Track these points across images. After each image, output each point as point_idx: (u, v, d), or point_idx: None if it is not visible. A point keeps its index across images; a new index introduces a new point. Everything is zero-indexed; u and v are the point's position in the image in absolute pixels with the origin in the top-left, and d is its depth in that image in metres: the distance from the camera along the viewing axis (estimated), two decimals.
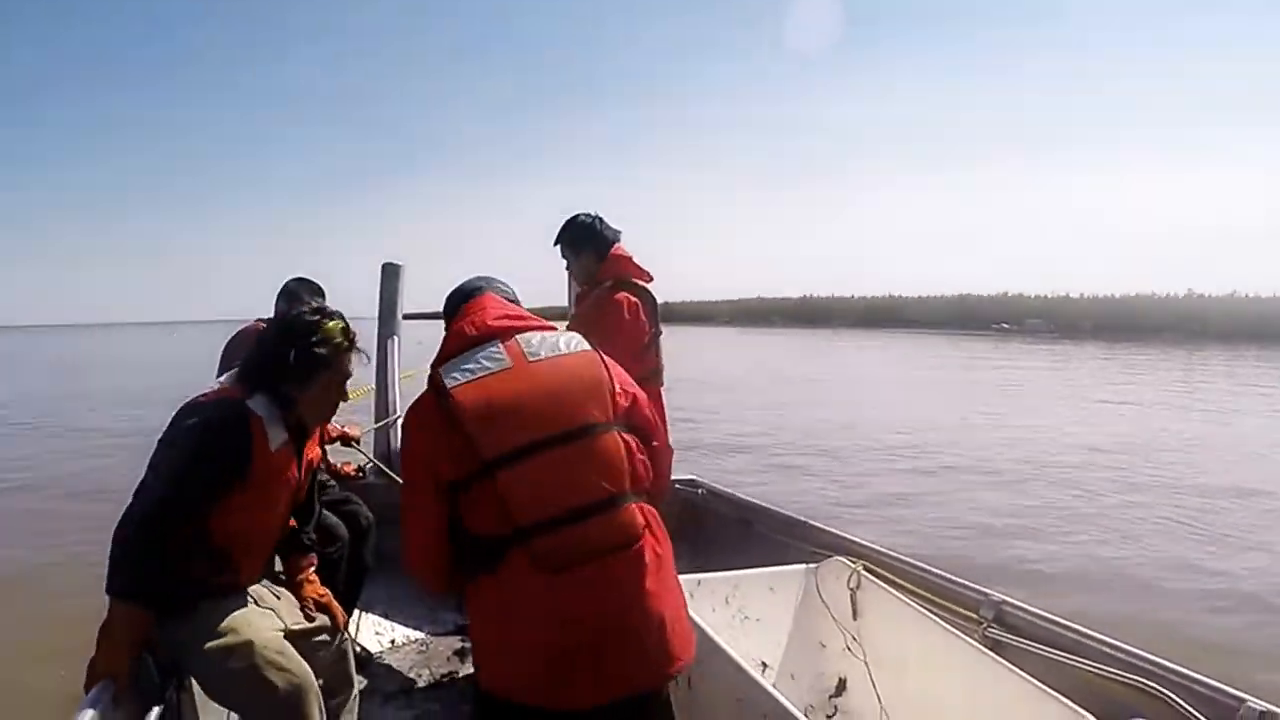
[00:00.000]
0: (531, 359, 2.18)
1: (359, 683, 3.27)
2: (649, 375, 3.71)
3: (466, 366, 2.17)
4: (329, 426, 4.17)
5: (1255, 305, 65.60)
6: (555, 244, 4.11)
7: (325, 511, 4.01)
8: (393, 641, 4.58)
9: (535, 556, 2.01)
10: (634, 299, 3.91)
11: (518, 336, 2.24)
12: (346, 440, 4.52)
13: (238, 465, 2.58)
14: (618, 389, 2.23)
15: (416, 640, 4.61)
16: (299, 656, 2.74)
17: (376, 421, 5.28)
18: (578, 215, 4.06)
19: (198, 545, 2.56)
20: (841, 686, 3.53)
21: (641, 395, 2.34)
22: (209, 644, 2.59)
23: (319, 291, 4.27)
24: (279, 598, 2.90)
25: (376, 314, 5.66)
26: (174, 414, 2.69)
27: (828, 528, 4.18)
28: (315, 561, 3.19)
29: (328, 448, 4.39)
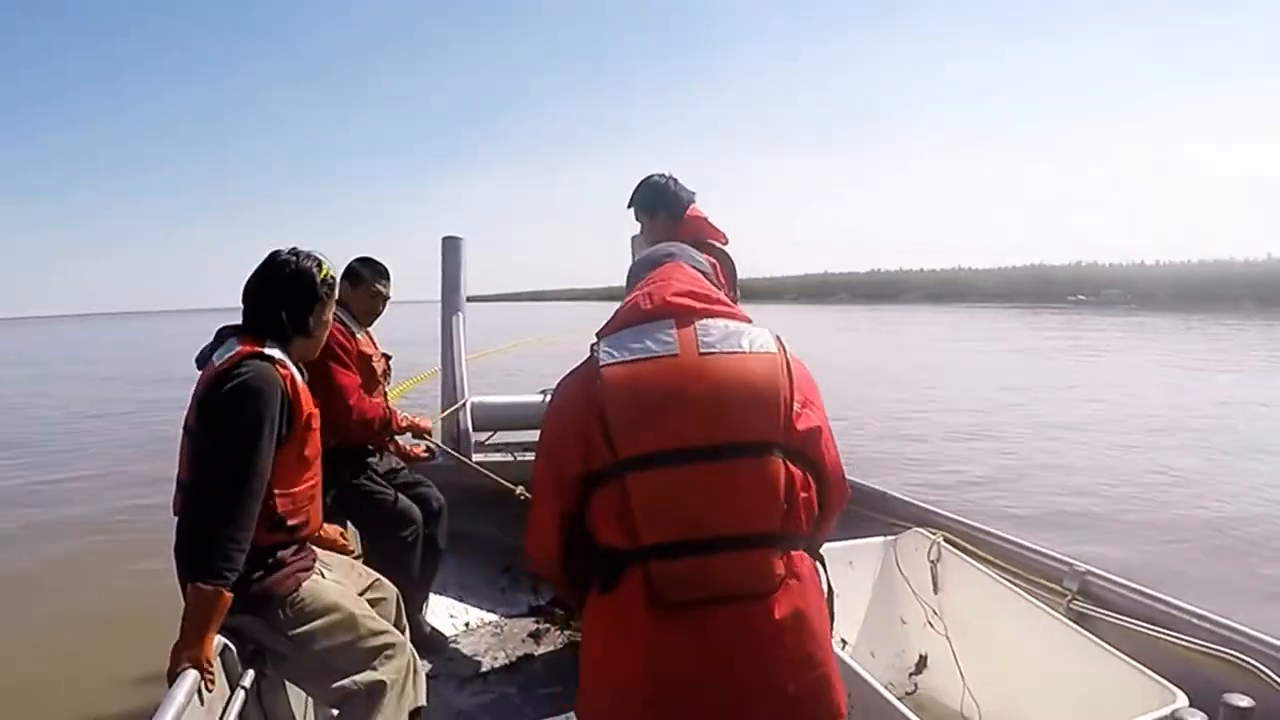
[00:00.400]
0: (704, 351, 1.86)
1: (425, 666, 3.33)
2: None
3: (629, 344, 1.89)
4: (398, 417, 4.19)
5: None
6: (629, 206, 4.03)
7: (399, 494, 4.09)
8: (466, 624, 4.61)
9: (650, 581, 1.74)
10: (713, 260, 3.85)
11: (699, 322, 1.92)
12: (418, 432, 4.47)
13: (288, 415, 2.62)
14: (797, 407, 1.86)
15: (490, 623, 4.64)
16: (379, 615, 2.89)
17: (443, 401, 5.23)
18: (651, 176, 3.98)
19: (265, 510, 2.57)
20: (923, 663, 3.50)
21: (826, 422, 1.95)
22: (312, 625, 2.69)
23: (384, 272, 4.26)
24: (331, 566, 2.98)
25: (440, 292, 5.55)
26: (200, 386, 2.65)
27: (907, 498, 4.10)
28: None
29: (399, 438, 4.44)
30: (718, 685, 1.74)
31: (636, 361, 1.85)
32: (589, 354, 1.93)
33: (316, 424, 2.79)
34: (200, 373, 2.70)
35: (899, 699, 3.34)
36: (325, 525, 3.13)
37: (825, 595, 1.94)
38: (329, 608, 2.72)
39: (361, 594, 3.01)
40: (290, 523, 2.69)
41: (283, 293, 2.78)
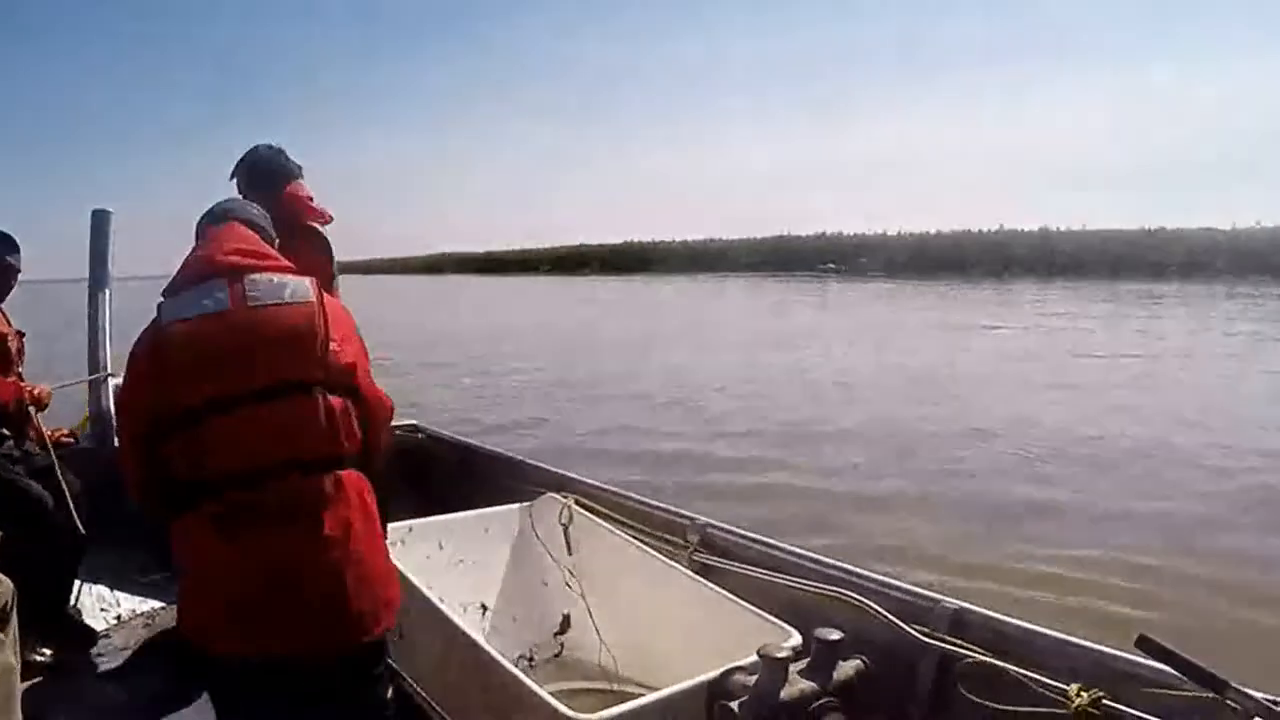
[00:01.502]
0: (251, 304, 2.13)
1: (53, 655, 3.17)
2: None
3: (187, 304, 2.14)
4: (30, 393, 4.00)
5: (1066, 239, 70.12)
6: (231, 179, 3.83)
7: (30, 482, 3.90)
8: (118, 617, 4.48)
9: (219, 511, 2.05)
10: (310, 243, 3.75)
11: (247, 278, 2.17)
12: (38, 404, 4.20)
13: None
14: (334, 345, 2.19)
15: (143, 613, 4.52)
16: None
17: (90, 382, 5.07)
18: (257, 147, 3.83)
19: None
20: (566, 623, 3.65)
21: (362, 356, 2.31)
22: None
23: (13, 245, 4.07)
24: None
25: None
26: None
27: (544, 465, 4.31)
28: None
29: (37, 413, 4.24)
30: (286, 587, 2.06)
31: (194, 319, 2.11)
32: (157, 312, 2.18)
33: None
34: None
35: (546, 660, 3.53)
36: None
37: (378, 504, 2.28)
38: None
39: None
40: None
41: None
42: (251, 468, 2.06)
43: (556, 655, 3.62)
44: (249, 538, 2.05)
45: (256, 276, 2.18)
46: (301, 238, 3.67)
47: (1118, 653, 2.40)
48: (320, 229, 3.90)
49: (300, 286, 2.21)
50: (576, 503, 3.70)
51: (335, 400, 2.16)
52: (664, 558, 3.30)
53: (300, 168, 3.85)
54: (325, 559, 2.09)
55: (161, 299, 2.20)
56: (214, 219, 2.42)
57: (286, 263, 2.31)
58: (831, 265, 75.61)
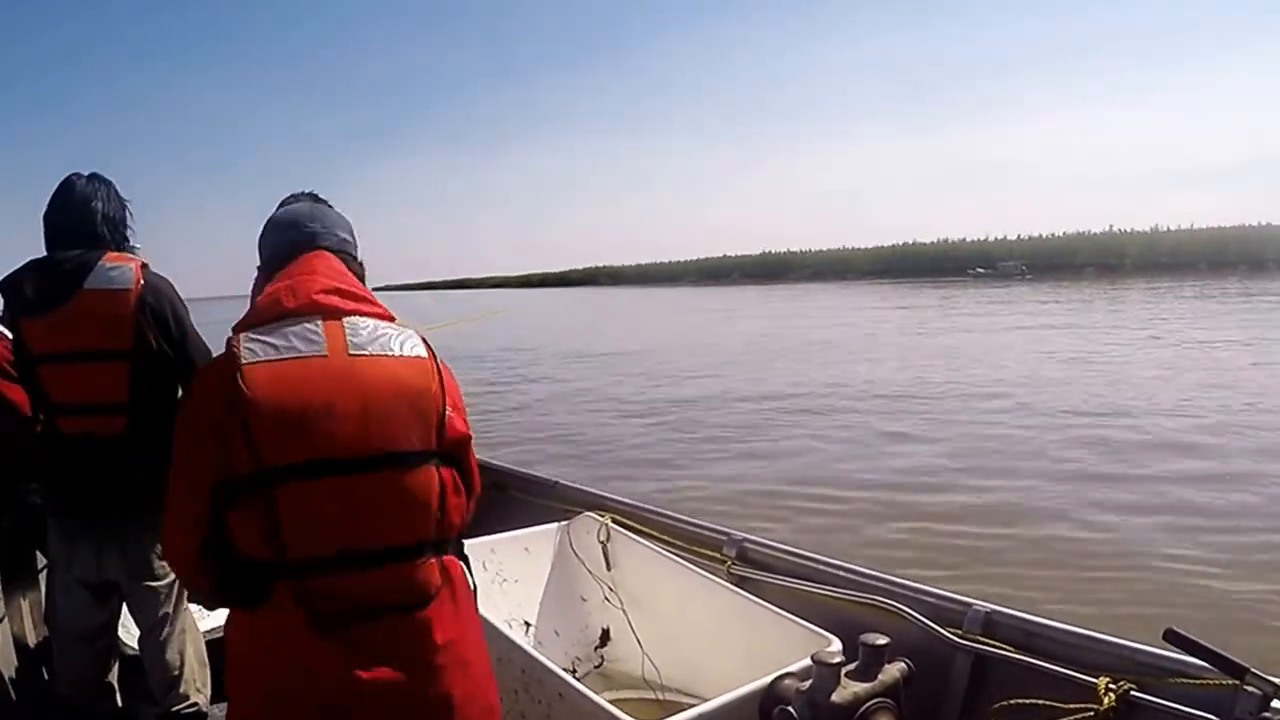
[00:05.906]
0: (354, 352, 1.62)
1: None
2: None
3: (272, 341, 1.59)
4: None
5: (1172, 238, 68.47)
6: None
7: None
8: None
9: (304, 598, 1.53)
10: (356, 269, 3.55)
11: (346, 320, 1.66)
12: None
13: None
14: (449, 412, 1.68)
15: None
16: None
17: None
18: (297, 196, 3.33)
19: None
20: (606, 636, 3.48)
21: (466, 428, 1.76)
22: None
23: None
24: None
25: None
26: None
27: (578, 486, 4.13)
28: None
29: None
30: (386, 696, 1.56)
31: (282, 361, 1.57)
32: (227, 349, 1.61)
33: None
34: None
35: (587, 673, 3.37)
36: None
37: (473, 594, 1.79)
38: None
39: None
40: None
41: None
42: (346, 549, 1.56)
43: (598, 667, 3.45)
44: (340, 636, 1.54)
45: (358, 320, 1.67)
46: None
47: (1143, 646, 2.36)
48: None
49: (412, 339, 1.71)
50: (613, 520, 3.52)
51: (447, 474, 1.66)
52: (702, 571, 3.15)
53: None
54: (434, 660, 1.62)
55: (233, 332, 1.63)
56: (298, 245, 1.80)
57: (387, 310, 1.77)
58: (980, 270, 74.75)
